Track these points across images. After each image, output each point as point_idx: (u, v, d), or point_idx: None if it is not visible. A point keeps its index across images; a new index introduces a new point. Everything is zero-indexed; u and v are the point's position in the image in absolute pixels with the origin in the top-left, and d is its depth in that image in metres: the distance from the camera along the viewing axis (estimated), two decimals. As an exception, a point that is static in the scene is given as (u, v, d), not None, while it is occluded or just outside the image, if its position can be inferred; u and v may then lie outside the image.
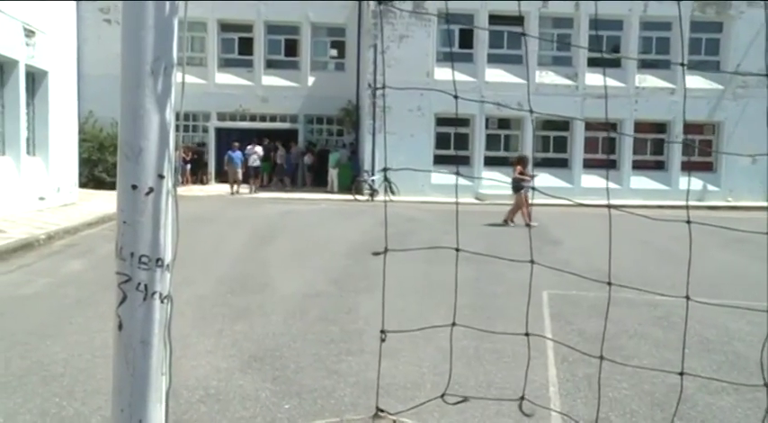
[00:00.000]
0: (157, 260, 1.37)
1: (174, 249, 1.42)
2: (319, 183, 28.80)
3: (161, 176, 1.37)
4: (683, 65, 2.37)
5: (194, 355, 5.76)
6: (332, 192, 27.04)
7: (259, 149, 26.38)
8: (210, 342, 6.28)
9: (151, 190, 1.36)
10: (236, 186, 25.08)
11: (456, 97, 1.96)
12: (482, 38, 26.87)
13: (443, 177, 24.88)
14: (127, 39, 1.37)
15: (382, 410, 1.61)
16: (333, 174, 28.05)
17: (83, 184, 21.26)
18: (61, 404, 4.76)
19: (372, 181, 25.22)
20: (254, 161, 25.85)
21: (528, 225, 16.14)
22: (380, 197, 24.18)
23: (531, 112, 2.10)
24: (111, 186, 23.45)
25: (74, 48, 19.78)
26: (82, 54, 21.48)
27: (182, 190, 22.46)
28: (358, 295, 8.63)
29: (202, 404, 4.80)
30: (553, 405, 4.94)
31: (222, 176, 28.66)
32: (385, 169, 1.76)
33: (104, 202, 19.04)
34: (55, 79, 18.14)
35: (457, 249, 1.87)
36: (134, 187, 1.36)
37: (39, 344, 6.21)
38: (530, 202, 16.51)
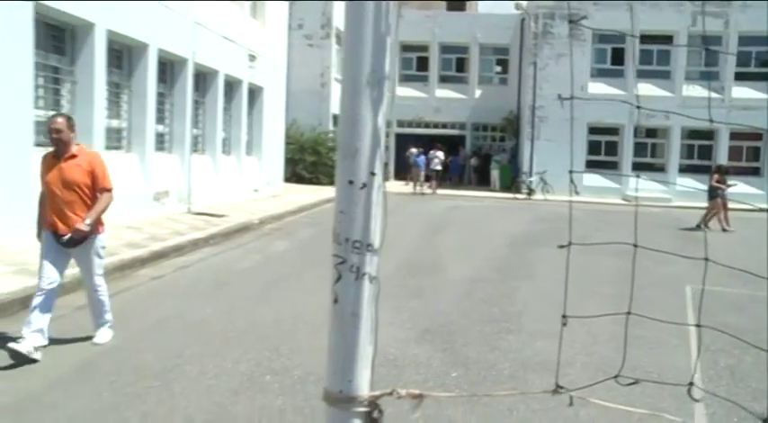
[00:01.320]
0: (368, 245, 1.38)
1: (382, 237, 1.42)
2: (483, 182, 28.70)
3: (373, 173, 1.37)
4: None
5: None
6: (494, 190, 26.73)
7: (440, 154, 26.39)
8: (389, 316, 6.36)
9: (364, 185, 1.37)
10: (418, 186, 25.17)
11: (638, 108, 1.84)
12: (633, 55, 25.59)
13: (593, 179, 23.98)
14: (349, 54, 1.39)
15: (561, 387, 1.53)
16: (495, 175, 27.91)
17: (286, 179, 22.30)
18: (271, 358, 5.01)
19: (530, 181, 24.84)
20: (436, 165, 25.85)
21: (724, 229, 15.13)
22: (537, 196, 23.94)
23: (711, 121, 1.93)
24: (309, 181, 24.55)
25: (284, 68, 20.82)
26: (289, 73, 22.53)
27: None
28: (517, 281, 8.46)
29: (382, 367, 4.86)
30: (695, 391, 4.58)
31: (399, 175, 29.14)
32: (571, 172, 1.68)
33: (303, 194, 19.85)
34: (268, 94, 19.20)
35: (635, 245, 1.75)
36: (350, 182, 1.37)
37: (253, 308, 6.59)
38: (727, 207, 15.53)
